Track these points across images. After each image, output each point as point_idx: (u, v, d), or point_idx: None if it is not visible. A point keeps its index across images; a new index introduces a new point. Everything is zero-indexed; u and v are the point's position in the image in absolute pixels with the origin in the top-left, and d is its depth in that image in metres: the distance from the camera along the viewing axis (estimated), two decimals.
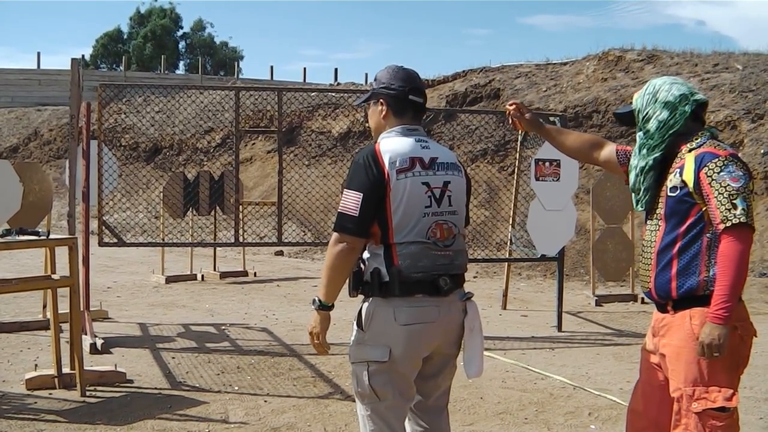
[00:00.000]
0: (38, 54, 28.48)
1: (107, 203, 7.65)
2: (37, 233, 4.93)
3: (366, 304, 2.70)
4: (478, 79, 16.64)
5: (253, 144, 18.40)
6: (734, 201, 2.55)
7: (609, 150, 3.05)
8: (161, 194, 10.73)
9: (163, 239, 10.31)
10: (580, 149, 3.15)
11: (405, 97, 2.78)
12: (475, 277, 10.57)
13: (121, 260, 11.62)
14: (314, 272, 10.89)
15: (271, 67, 43.40)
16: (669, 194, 2.70)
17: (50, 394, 4.76)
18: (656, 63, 14.85)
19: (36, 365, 5.23)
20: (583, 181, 10.45)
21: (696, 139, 2.74)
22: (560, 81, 15.46)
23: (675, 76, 12.97)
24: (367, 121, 2.91)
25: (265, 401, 4.76)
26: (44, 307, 6.63)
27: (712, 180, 2.59)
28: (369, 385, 2.66)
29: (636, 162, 2.84)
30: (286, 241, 8.91)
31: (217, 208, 9.83)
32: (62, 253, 5.04)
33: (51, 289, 5.05)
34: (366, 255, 2.70)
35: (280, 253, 13.39)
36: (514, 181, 8.39)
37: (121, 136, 19.43)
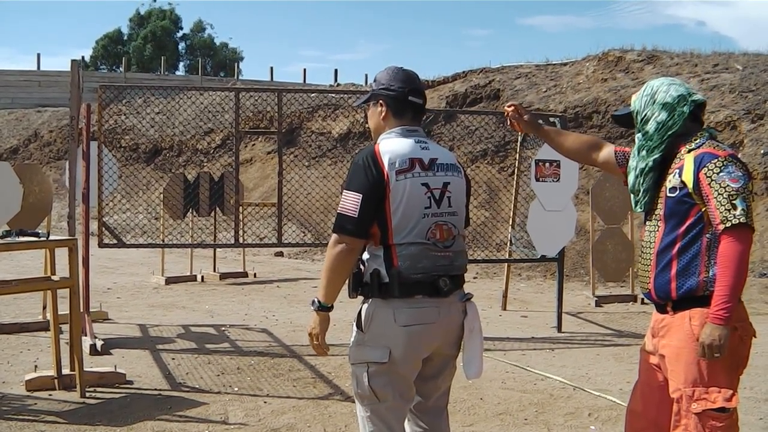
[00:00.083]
0: (38, 55, 28.57)
1: (107, 204, 7.65)
2: (37, 234, 4.93)
3: (366, 305, 2.70)
4: (478, 79, 16.64)
5: (253, 145, 18.40)
6: (734, 201, 2.55)
7: (608, 151, 3.05)
8: (161, 195, 10.73)
9: (163, 240, 10.32)
10: (579, 150, 3.15)
11: (405, 98, 2.78)
12: (475, 278, 10.57)
13: (121, 261, 11.62)
14: (314, 273, 10.89)
15: (271, 68, 43.31)
16: (668, 195, 2.70)
17: (50, 395, 4.76)
18: (656, 63, 14.85)
19: (36, 366, 5.23)
20: (583, 181, 10.45)
21: (695, 140, 2.74)
22: (560, 81, 15.46)
23: (675, 76, 12.94)
24: (367, 122, 2.91)
25: (265, 402, 4.76)
26: (44, 308, 6.63)
27: (712, 181, 2.59)
28: (369, 386, 2.66)
29: (635, 163, 2.84)
30: (286, 242, 8.92)
31: (217, 209, 9.83)
32: (62, 255, 5.04)
33: (51, 290, 5.05)
34: (365, 256, 2.70)
35: (280, 254, 13.39)
36: (514, 182, 8.39)
37: (121, 137, 19.43)
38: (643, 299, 8.58)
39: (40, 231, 5.22)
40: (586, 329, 7.46)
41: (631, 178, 2.86)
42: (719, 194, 2.57)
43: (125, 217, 13.35)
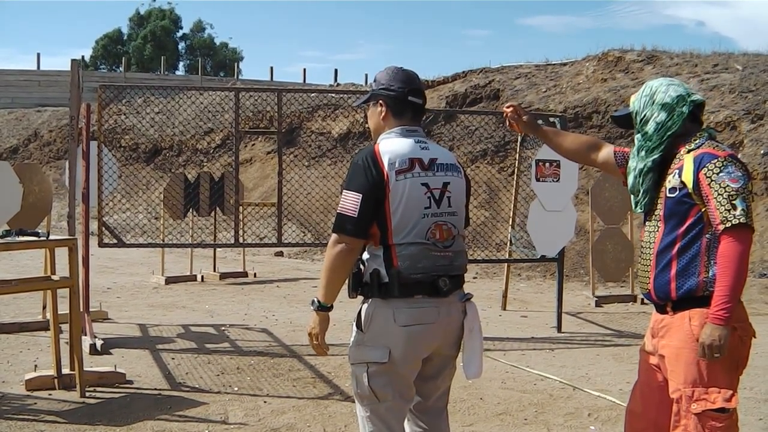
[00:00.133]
0: (38, 55, 28.60)
1: (107, 204, 7.65)
2: (36, 234, 4.93)
3: (365, 305, 2.70)
4: (478, 79, 16.64)
5: (253, 145, 18.40)
6: (734, 202, 2.56)
7: (607, 152, 3.05)
8: (161, 195, 10.73)
9: (163, 240, 10.32)
10: (578, 151, 3.15)
11: (404, 98, 2.78)
12: (474, 278, 10.57)
13: (120, 261, 11.61)
14: (314, 273, 10.88)
15: (271, 68, 43.33)
16: (668, 195, 2.70)
17: (50, 394, 4.76)
18: (656, 63, 14.85)
19: (36, 366, 5.23)
20: (583, 182, 10.45)
21: (695, 140, 2.74)
22: (560, 82, 15.46)
23: (675, 76, 12.92)
24: (367, 122, 2.91)
25: (265, 402, 4.76)
26: (44, 308, 6.63)
27: (712, 181, 2.60)
28: (368, 386, 2.66)
29: (635, 164, 2.84)
30: (285, 242, 8.92)
31: (217, 209, 9.83)
32: (62, 254, 5.04)
33: (51, 290, 5.05)
34: (365, 256, 2.70)
35: (280, 254, 13.39)
36: (514, 182, 8.40)
37: (121, 137, 19.43)
38: (642, 299, 8.58)
39: (39, 231, 5.22)
40: (586, 329, 7.46)
41: (630, 179, 2.86)
42: (719, 194, 2.57)
43: (125, 216, 13.34)
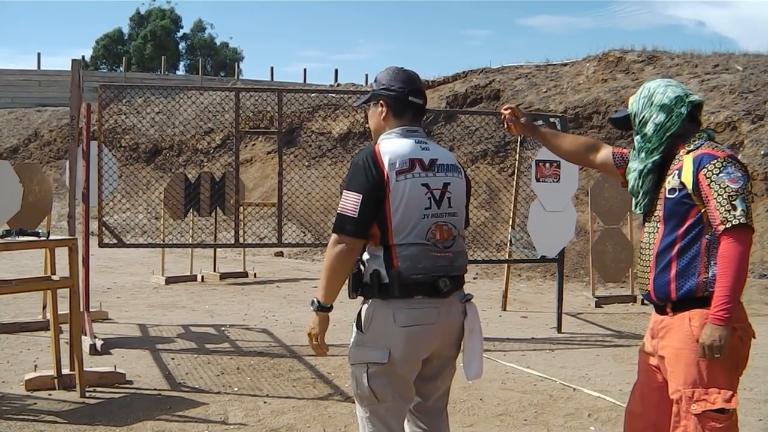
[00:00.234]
0: (38, 55, 28.58)
1: (107, 204, 7.65)
2: (37, 234, 4.93)
3: (365, 306, 2.70)
4: (478, 80, 16.64)
5: (254, 145, 18.40)
6: (734, 202, 2.56)
7: (605, 153, 3.05)
8: (162, 195, 10.73)
9: (163, 240, 10.32)
10: (576, 152, 3.15)
11: (405, 98, 2.78)
12: (475, 279, 10.57)
13: (121, 261, 11.62)
14: (314, 273, 10.89)
15: (272, 68, 43.52)
16: (667, 196, 2.71)
17: (50, 395, 4.76)
18: (656, 64, 14.84)
19: (36, 366, 5.23)
20: (583, 182, 10.45)
21: (694, 141, 2.74)
22: (560, 82, 15.46)
23: (675, 77, 12.89)
24: (367, 122, 2.91)
25: (265, 402, 4.76)
26: (44, 308, 6.63)
27: (711, 181, 2.60)
28: (368, 387, 2.66)
29: (635, 165, 2.84)
30: (286, 242, 8.91)
31: (218, 209, 9.83)
32: (62, 254, 5.04)
33: (51, 290, 5.05)
34: (365, 256, 2.70)
35: (280, 254, 13.40)
36: (514, 183, 8.39)
37: (121, 137, 19.43)
38: (642, 300, 8.57)
39: (40, 230, 5.22)
40: (586, 330, 7.46)
41: (631, 181, 2.86)
42: (719, 195, 2.57)
43: (125, 216, 13.33)
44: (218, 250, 11.27)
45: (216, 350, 6.17)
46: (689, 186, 2.64)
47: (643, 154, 2.81)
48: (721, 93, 12.85)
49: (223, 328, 7.09)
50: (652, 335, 2.83)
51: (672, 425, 2.68)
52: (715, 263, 2.60)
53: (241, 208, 8.63)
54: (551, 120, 7.44)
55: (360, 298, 2.74)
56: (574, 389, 5.21)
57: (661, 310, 2.78)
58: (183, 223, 11.63)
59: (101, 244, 6.67)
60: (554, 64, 16.64)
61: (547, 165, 7.16)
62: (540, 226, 7.21)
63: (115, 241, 7.02)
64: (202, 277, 10.39)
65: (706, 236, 2.64)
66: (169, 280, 9.94)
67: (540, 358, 6.17)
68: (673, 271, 2.68)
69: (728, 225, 2.55)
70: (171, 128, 18.30)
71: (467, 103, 16.00)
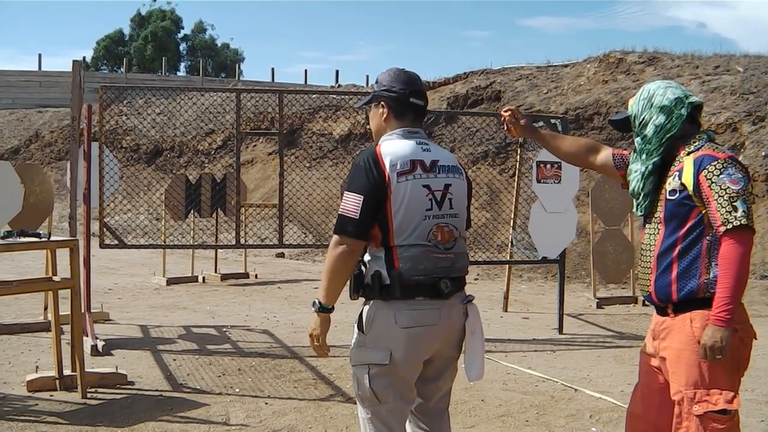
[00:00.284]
0: (39, 56, 28.76)
1: (108, 205, 7.64)
2: (38, 235, 4.94)
3: (367, 307, 2.70)
4: (479, 81, 16.64)
5: (254, 146, 18.40)
6: (734, 203, 2.56)
7: (605, 154, 3.06)
8: (163, 196, 10.73)
9: (165, 241, 10.33)
10: (576, 154, 3.15)
11: (406, 99, 2.78)
12: (476, 280, 10.57)
13: (122, 262, 11.62)
14: (315, 274, 10.88)
15: (272, 69, 43.41)
16: (668, 198, 2.71)
17: (51, 395, 4.76)
18: (657, 65, 14.84)
19: (37, 367, 5.23)
20: (584, 183, 10.44)
21: (694, 143, 2.74)
22: (561, 83, 15.46)
23: (676, 78, 12.84)
24: (368, 123, 2.91)
25: (266, 403, 4.76)
26: (45, 308, 6.63)
27: (712, 183, 2.60)
28: (370, 388, 2.66)
29: (636, 167, 2.84)
30: (287, 243, 8.91)
31: (219, 210, 9.84)
32: (63, 255, 5.04)
33: (52, 290, 5.06)
34: (367, 258, 2.70)
35: (281, 255, 13.39)
36: (515, 184, 8.40)
37: (122, 138, 19.44)
38: (643, 301, 8.57)
39: (41, 231, 5.23)
40: (587, 331, 7.46)
41: (632, 182, 2.86)
42: (720, 196, 2.58)
43: (126, 217, 13.33)
44: (219, 251, 11.26)
45: (217, 351, 6.17)
46: (690, 187, 2.64)
47: (643, 156, 2.81)
48: (721, 94, 12.85)
49: (224, 329, 7.09)
50: (654, 336, 2.83)
51: (674, 426, 2.68)
52: (716, 264, 2.60)
53: (242, 209, 8.63)
54: (552, 121, 7.44)
55: (361, 300, 2.74)
56: (576, 390, 5.21)
57: (662, 312, 2.78)
58: (184, 224, 11.64)
59: (102, 245, 6.68)
60: (555, 65, 16.65)
61: (548, 166, 7.16)
62: (541, 227, 7.21)
63: (116, 242, 7.02)
64: (203, 278, 10.39)
65: (707, 237, 2.65)
66: (170, 281, 9.94)
67: (541, 359, 6.17)
68: (674, 273, 2.68)
69: (729, 226, 2.55)
70: (172, 129, 18.31)
71: (468, 105, 16.00)
